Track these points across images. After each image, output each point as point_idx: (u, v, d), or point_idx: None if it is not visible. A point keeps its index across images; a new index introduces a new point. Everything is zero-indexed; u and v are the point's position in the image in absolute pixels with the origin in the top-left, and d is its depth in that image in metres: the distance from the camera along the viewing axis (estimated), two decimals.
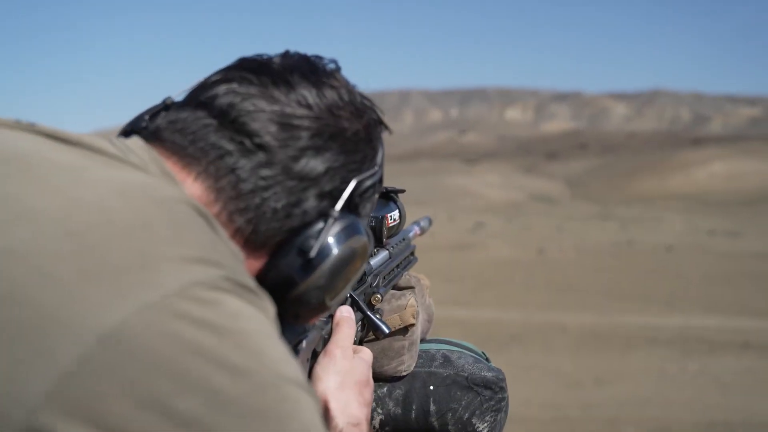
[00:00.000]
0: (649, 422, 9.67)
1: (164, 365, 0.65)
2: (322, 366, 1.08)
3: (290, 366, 0.73)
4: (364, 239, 0.94)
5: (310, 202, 0.88)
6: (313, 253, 0.88)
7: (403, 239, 1.56)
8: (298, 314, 0.93)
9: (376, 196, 0.98)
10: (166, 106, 0.91)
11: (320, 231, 0.88)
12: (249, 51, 0.93)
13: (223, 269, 0.72)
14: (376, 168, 0.94)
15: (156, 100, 0.95)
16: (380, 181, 0.97)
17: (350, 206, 0.92)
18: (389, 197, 1.44)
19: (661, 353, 14.37)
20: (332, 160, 0.88)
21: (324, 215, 0.89)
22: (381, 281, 1.36)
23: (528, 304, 19.27)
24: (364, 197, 0.94)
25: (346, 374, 1.08)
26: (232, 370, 0.67)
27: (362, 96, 0.95)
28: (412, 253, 1.62)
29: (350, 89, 0.93)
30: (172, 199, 0.76)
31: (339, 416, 1.03)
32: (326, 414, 1.04)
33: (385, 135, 0.98)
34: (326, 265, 0.89)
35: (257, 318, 0.72)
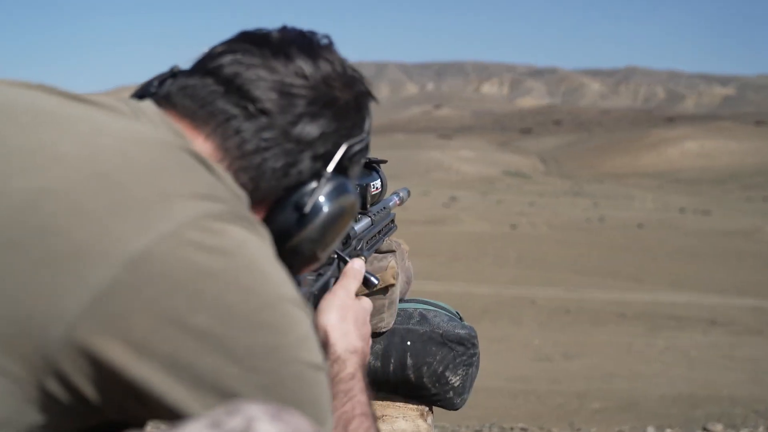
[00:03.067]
0: (616, 396, 9.77)
1: (182, 286, 0.74)
2: (327, 302, 1.20)
3: (289, 286, 0.83)
4: (352, 198, 1.03)
5: (306, 163, 0.96)
6: (307, 209, 0.97)
7: (384, 208, 1.64)
8: (292, 264, 0.99)
9: (365, 159, 1.06)
10: (173, 73, 0.99)
11: (314, 189, 0.97)
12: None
13: (226, 204, 0.82)
14: (364, 135, 1.03)
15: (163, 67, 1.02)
16: (367, 147, 1.05)
17: (341, 168, 1.00)
18: (372, 167, 1.52)
19: (629, 328, 14.57)
20: (326, 126, 0.96)
21: (317, 175, 0.98)
22: (364, 245, 1.45)
23: (499, 279, 19.42)
24: (353, 161, 1.02)
25: (346, 310, 1.20)
26: (240, 290, 0.77)
27: (353, 69, 1.03)
28: (392, 221, 1.71)
29: (342, 62, 1.01)
30: (177, 146, 0.86)
31: (338, 344, 1.15)
32: (326, 342, 1.16)
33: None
34: (318, 220, 0.99)
35: (259, 244, 0.82)
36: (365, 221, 1.50)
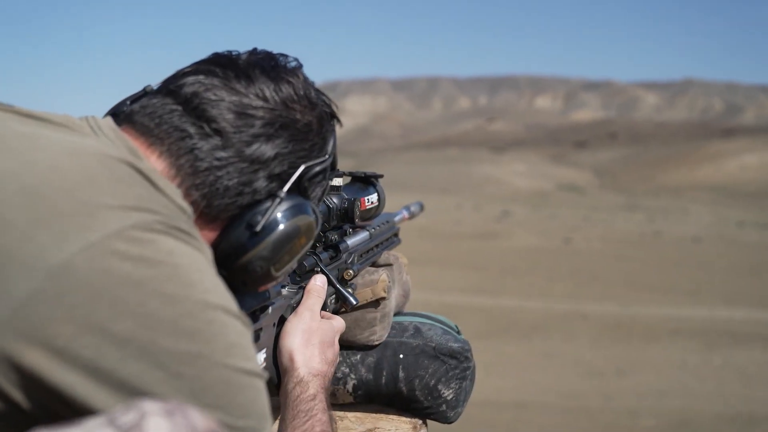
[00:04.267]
0: (670, 414, 9.62)
1: (103, 295, 0.76)
2: (292, 324, 1.23)
3: (219, 295, 0.84)
4: (309, 219, 1.04)
5: (260, 183, 0.99)
6: (258, 227, 0.99)
7: (387, 221, 1.67)
8: (245, 281, 1.03)
9: (327, 181, 1.09)
10: (146, 92, 1.03)
11: (267, 208, 1.00)
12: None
13: (159, 215, 0.83)
14: (326, 156, 1.05)
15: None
16: (332, 167, 1.08)
17: (299, 189, 1.03)
18: (370, 182, 1.54)
19: (684, 345, 14.27)
20: (282, 147, 0.99)
21: (272, 195, 1.00)
22: (356, 258, 1.47)
23: (551, 294, 19.20)
24: (313, 182, 1.05)
25: (312, 333, 1.23)
26: (164, 298, 0.78)
27: (318, 91, 1.05)
28: (396, 235, 1.73)
29: (307, 85, 1.04)
30: (115, 159, 0.87)
31: (302, 368, 1.19)
32: (291, 365, 1.20)
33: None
34: (271, 239, 1.01)
35: (190, 254, 0.83)
36: (362, 235, 1.52)
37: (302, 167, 1.01)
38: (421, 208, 1.95)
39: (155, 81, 1.06)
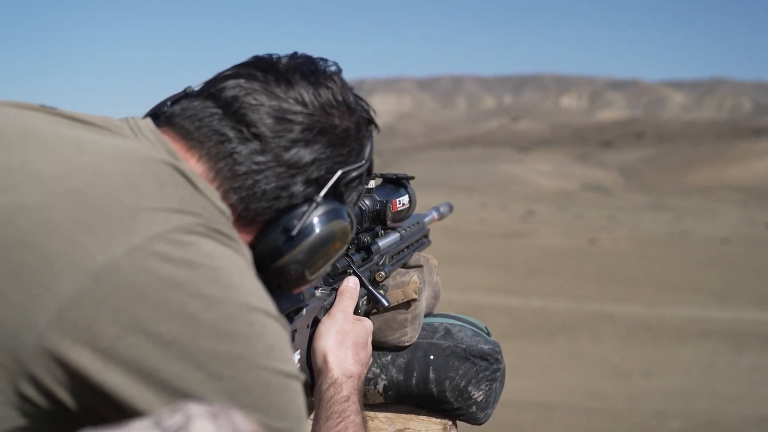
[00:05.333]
0: (697, 416, 9.56)
1: (147, 296, 0.77)
2: (325, 326, 1.25)
3: (259, 297, 0.85)
4: (344, 224, 1.05)
5: (297, 187, 1.00)
6: (294, 232, 1.00)
7: (417, 222, 1.68)
8: (280, 284, 1.04)
9: (363, 186, 1.10)
10: (186, 94, 1.04)
11: (303, 213, 1.01)
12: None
13: (200, 218, 0.85)
14: (363, 161, 1.06)
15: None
16: (368, 173, 1.09)
17: (335, 194, 1.04)
18: (401, 183, 1.55)
19: (713, 346, 14.17)
20: (319, 152, 1.00)
21: (309, 200, 1.01)
22: (388, 260, 1.48)
23: (577, 294, 19.13)
24: (350, 187, 1.06)
25: (345, 335, 1.24)
26: (205, 300, 0.79)
27: (356, 96, 1.07)
28: (426, 236, 1.74)
29: (345, 90, 1.05)
30: (158, 161, 0.89)
31: (335, 369, 1.21)
32: (325, 366, 1.22)
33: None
34: (306, 243, 1.02)
35: (230, 257, 0.84)
36: (393, 236, 1.53)
37: (339, 172, 1.02)
38: (450, 209, 1.96)
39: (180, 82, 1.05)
